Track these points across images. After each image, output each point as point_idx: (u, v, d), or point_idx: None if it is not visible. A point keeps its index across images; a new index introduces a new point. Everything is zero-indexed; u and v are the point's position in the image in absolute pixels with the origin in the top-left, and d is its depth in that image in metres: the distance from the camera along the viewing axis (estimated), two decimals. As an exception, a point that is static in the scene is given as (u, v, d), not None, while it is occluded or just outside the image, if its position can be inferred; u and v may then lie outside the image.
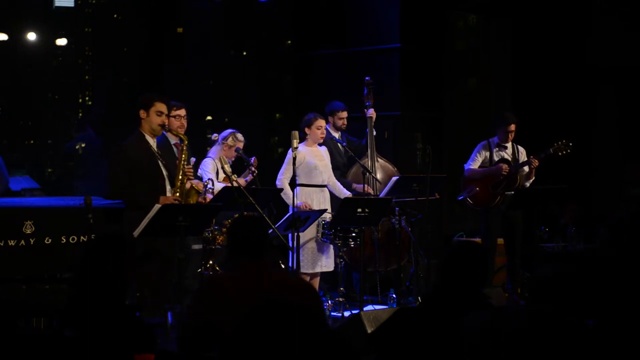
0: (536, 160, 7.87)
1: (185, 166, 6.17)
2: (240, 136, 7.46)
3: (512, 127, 8.04)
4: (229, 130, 7.48)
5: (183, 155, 6.17)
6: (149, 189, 6.03)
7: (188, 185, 6.21)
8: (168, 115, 6.34)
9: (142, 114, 6.18)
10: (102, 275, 3.62)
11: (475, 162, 8.14)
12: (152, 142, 6.22)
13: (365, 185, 7.84)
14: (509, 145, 8.15)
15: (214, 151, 7.45)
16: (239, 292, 3.70)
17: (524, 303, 7.75)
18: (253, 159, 7.42)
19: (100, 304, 3.58)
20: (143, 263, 5.81)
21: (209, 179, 6.89)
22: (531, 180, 8.04)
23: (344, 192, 7.62)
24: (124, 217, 6.09)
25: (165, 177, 6.16)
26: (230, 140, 7.40)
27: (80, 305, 3.61)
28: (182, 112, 6.79)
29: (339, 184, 7.70)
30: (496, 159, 8.10)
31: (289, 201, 7.25)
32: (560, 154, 7.85)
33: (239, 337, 2.18)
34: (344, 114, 8.14)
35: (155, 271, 6.00)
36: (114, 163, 6.12)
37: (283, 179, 7.44)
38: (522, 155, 8.14)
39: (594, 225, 6.85)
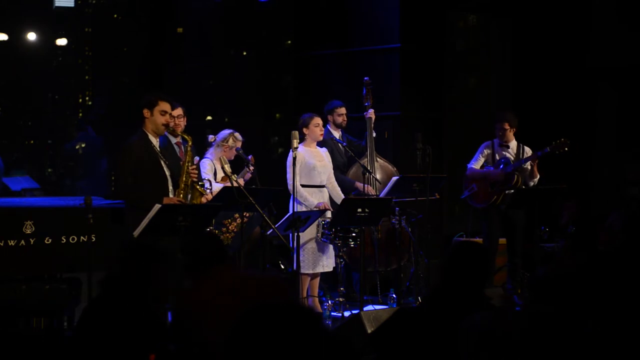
0: (535, 159, 7.88)
1: (190, 167, 6.13)
2: (238, 135, 7.46)
3: (506, 125, 8.05)
4: (227, 131, 7.46)
5: (187, 157, 6.13)
6: (152, 190, 6.00)
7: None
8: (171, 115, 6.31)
9: (146, 113, 6.10)
10: (138, 278, 3.65)
11: (478, 162, 8.16)
12: (155, 141, 6.17)
13: (367, 186, 7.84)
14: (513, 144, 8.15)
15: (211, 152, 7.44)
16: (226, 291, 3.72)
17: (523, 303, 7.77)
18: (250, 156, 7.42)
19: (131, 304, 3.61)
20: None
21: (206, 179, 6.88)
22: (536, 179, 8.02)
23: (340, 196, 7.59)
24: (126, 217, 6.06)
25: (168, 177, 6.12)
26: (230, 142, 7.39)
27: (109, 303, 3.64)
28: (177, 112, 6.77)
29: (337, 187, 7.66)
30: (499, 158, 8.12)
31: (307, 202, 7.25)
32: (558, 152, 7.84)
33: (236, 341, 2.18)
34: (343, 110, 8.16)
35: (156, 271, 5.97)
36: (119, 164, 6.07)
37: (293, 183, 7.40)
38: (527, 155, 8.12)
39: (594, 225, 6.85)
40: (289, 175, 7.28)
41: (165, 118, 6.11)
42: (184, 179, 6.07)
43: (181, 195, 6.05)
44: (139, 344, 3.50)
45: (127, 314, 3.57)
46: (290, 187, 7.29)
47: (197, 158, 6.90)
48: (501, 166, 8.08)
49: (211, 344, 3.60)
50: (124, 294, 3.65)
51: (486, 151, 8.17)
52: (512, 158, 8.10)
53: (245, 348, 2.16)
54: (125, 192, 6.02)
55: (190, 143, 6.14)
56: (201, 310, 3.73)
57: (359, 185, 7.95)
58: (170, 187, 6.10)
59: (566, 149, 7.82)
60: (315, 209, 7.23)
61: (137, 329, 3.54)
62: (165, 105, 6.13)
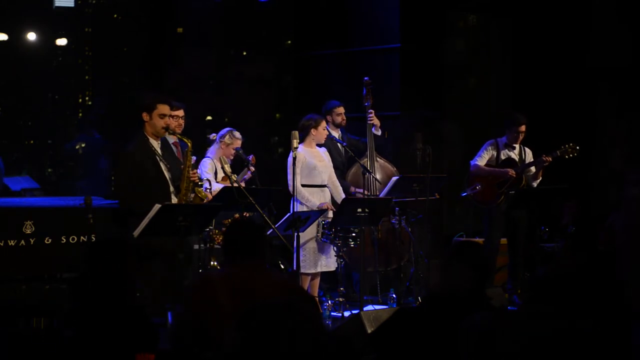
0: (549, 157, 7.90)
1: (190, 171, 6.07)
2: (237, 134, 7.46)
3: (523, 127, 8.07)
4: (227, 129, 7.49)
5: (187, 161, 6.03)
6: (154, 195, 5.93)
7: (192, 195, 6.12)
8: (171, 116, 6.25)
9: (145, 116, 6.02)
10: (105, 277, 3.61)
11: (482, 159, 8.15)
12: (156, 145, 6.09)
13: (365, 191, 7.83)
14: (517, 145, 8.16)
15: (212, 151, 7.44)
16: (231, 291, 3.70)
17: (522, 303, 7.77)
18: (251, 156, 7.43)
19: (104, 305, 3.58)
20: (144, 263, 5.79)
21: (206, 179, 6.87)
22: (538, 181, 8.06)
23: (341, 196, 7.59)
24: (127, 220, 6.02)
25: (169, 180, 6.07)
26: (227, 138, 7.39)
27: (82, 306, 3.61)
28: (181, 112, 6.76)
29: (339, 186, 7.67)
30: (503, 158, 8.12)
31: (309, 203, 7.25)
32: (567, 156, 7.92)
33: (237, 340, 2.18)
34: (341, 110, 8.18)
35: (156, 271, 5.97)
36: (120, 172, 6.01)
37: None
38: (529, 156, 8.15)
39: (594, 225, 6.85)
40: (290, 177, 7.28)
41: (164, 121, 6.03)
42: (185, 184, 6.00)
43: (184, 201, 6.00)
44: (121, 344, 3.47)
45: (104, 315, 3.54)
46: (290, 188, 7.29)
47: (194, 158, 6.88)
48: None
49: (215, 344, 3.59)
50: (95, 295, 3.61)
51: (491, 149, 8.17)
52: (517, 159, 8.12)
53: (245, 348, 2.16)
54: (126, 198, 5.97)
55: (190, 147, 6.03)
56: (205, 310, 3.71)
57: (358, 191, 7.95)
58: (172, 190, 6.05)
59: (575, 154, 7.89)
60: (317, 209, 7.23)
61: (117, 328, 3.51)
62: (164, 108, 6.04)
